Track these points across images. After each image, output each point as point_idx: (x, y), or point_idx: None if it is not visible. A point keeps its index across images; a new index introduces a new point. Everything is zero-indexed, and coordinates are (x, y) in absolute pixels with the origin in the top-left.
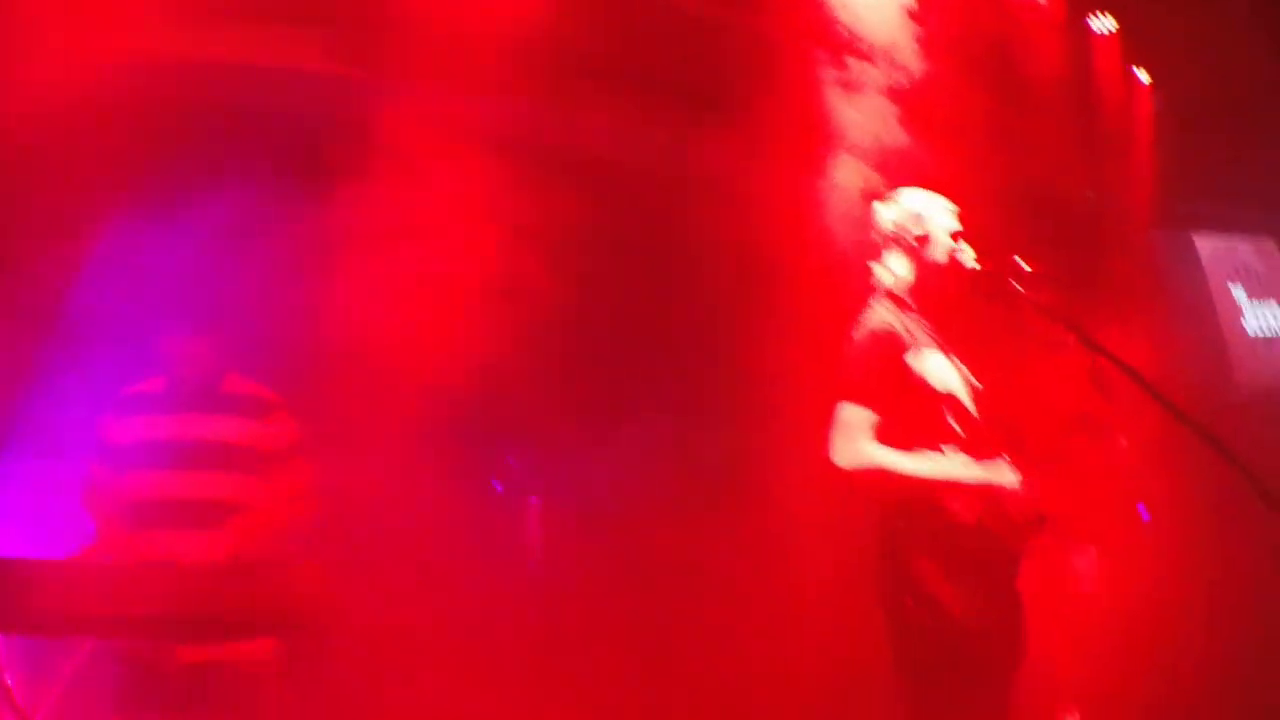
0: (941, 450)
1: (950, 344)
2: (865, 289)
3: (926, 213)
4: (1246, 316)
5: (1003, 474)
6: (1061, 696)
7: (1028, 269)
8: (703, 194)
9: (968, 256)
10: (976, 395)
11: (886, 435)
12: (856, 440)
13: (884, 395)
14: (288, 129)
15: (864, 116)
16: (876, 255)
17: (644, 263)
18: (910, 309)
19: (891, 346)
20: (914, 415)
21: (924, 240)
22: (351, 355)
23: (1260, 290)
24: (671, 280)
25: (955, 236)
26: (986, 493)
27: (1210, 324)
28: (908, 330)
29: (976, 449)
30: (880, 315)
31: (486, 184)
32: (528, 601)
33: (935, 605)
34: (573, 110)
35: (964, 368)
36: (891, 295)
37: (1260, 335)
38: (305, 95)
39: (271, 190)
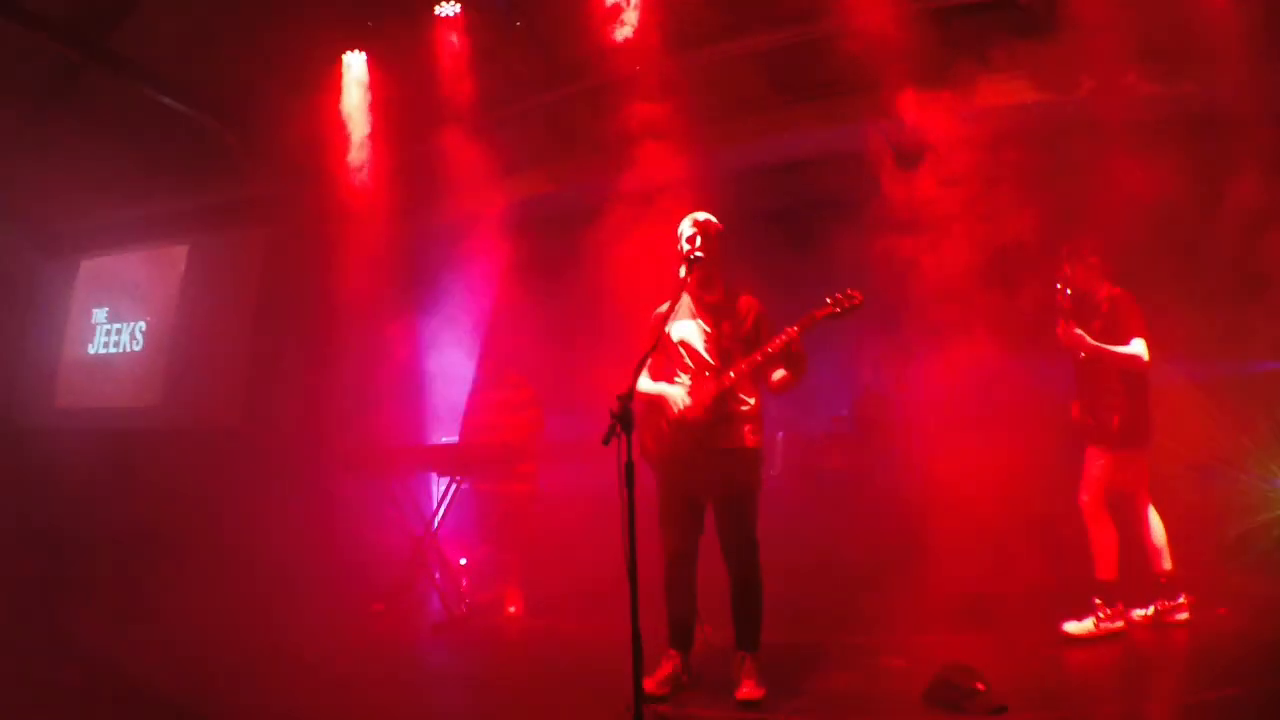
0: (675, 377)
1: (699, 312)
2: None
3: (681, 230)
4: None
5: (688, 393)
6: None
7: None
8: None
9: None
10: (709, 340)
11: (655, 370)
12: (639, 379)
13: (652, 349)
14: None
15: None
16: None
17: None
18: (686, 290)
19: (658, 321)
20: (666, 357)
21: (682, 247)
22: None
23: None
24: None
25: (689, 241)
26: (672, 399)
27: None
28: (673, 306)
29: (699, 373)
30: (662, 304)
31: None
32: None
33: (646, 446)
34: None
35: (705, 326)
36: (682, 285)
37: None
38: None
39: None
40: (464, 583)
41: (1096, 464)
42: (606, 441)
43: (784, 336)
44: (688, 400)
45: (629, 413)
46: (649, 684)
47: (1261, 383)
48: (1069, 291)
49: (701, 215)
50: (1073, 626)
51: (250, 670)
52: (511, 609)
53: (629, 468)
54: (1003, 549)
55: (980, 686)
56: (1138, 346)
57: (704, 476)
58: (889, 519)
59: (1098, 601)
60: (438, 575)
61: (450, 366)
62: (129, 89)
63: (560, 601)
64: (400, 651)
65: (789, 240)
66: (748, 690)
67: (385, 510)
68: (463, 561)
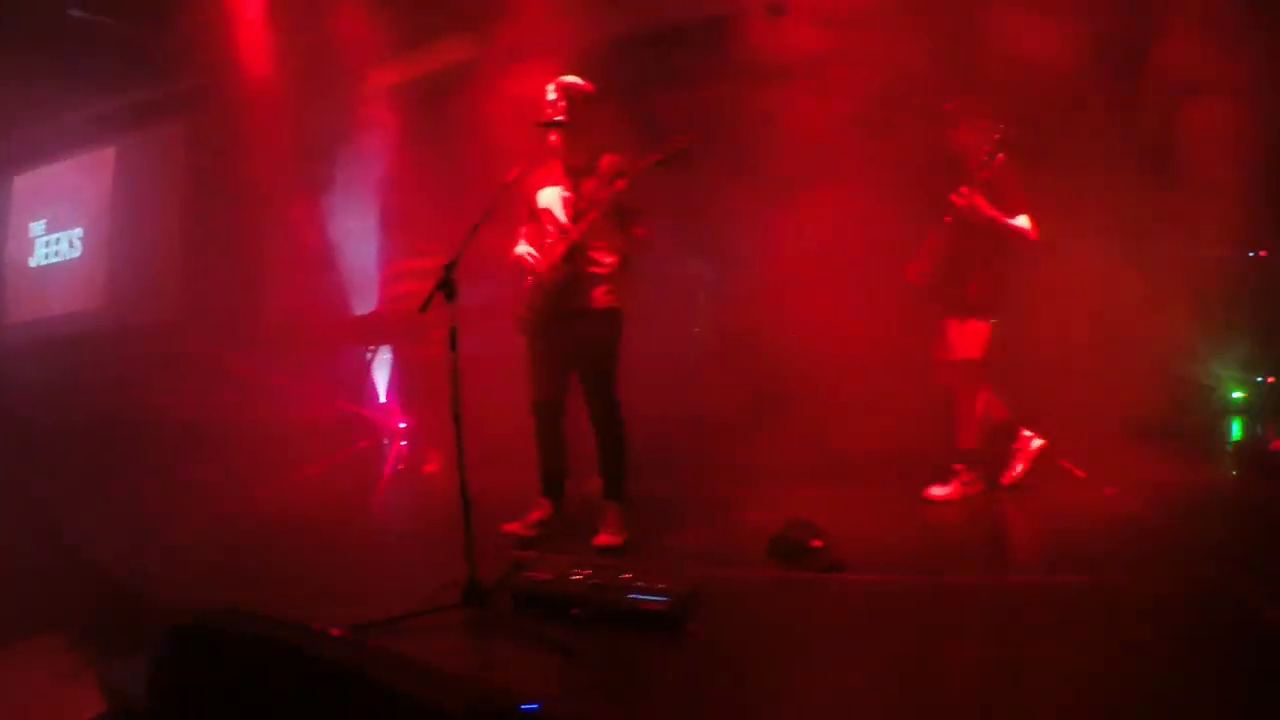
0: (543, 242)
1: (564, 177)
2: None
3: (547, 94)
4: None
5: (550, 250)
6: None
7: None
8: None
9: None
10: (567, 204)
11: (530, 236)
12: (517, 245)
13: (524, 217)
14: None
15: None
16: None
17: None
18: (554, 158)
19: (530, 188)
20: (535, 223)
21: (551, 112)
22: None
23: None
24: None
25: (552, 105)
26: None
27: None
28: (542, 175)
29: (556, 237)
30: (530, 173)
31: None
32: None
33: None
34: None
35: (565, 190)
36: (550, 150)
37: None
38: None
39: None
40: (403, 444)
41: (955, 331)
42: (424, 309)
43: (611, 190)
44: (541, 262)
45: (451, 281)
46: (516, 526)
47: (1170, 264)
48: (983, 155)
49: (567, 79)
50: (937, 491)
51: (191, 539)
52: (429, 467)
53: (453, 333)
54: (876, 409)
55: (817, 544)
56: (1024, 222)
57: (560, 337)
58: (776, 378)
59: (959, 468)
60: (368, 439)
61: (363, 240)
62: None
63: (475, 458)
64: (316, 510)
65: (675, 104)
66: (606, 537)
67: (317, 381)
68: (402, 425)
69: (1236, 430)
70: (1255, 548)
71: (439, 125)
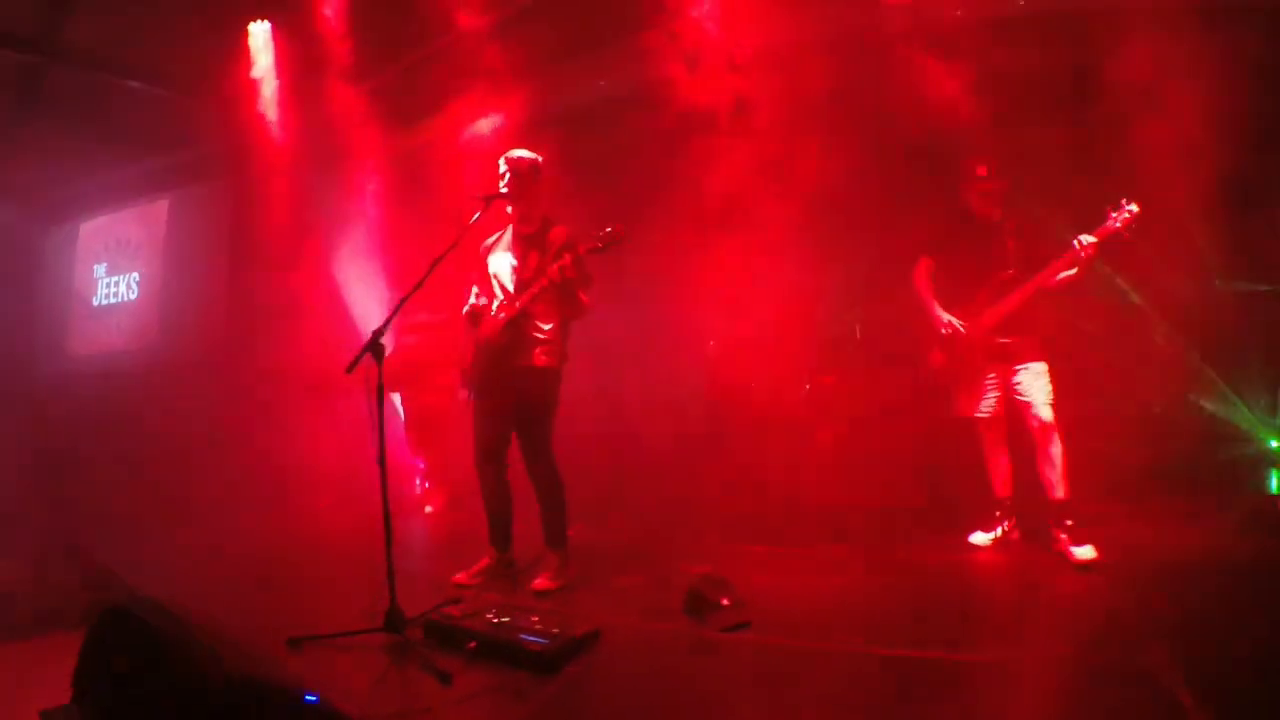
0: (490, 300)
1: (514, 245)
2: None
3: (500, 166)
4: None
5: (493, 314)
6: None
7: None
8: None
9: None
10: (515, 272)
11: (480, 295)
12: (468, 302)
13: (476, 278)
14: None
15: None
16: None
17: None
18: (508, 223)
19: (482, 252)
20: (484, 284)
21: (499, 184)
22: None
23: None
24: None
25: (500, 178)
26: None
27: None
28: (496, 239)
29: (504, 302)
30: (486, 236)
31: None
32: None
33: (464, 366)
34: None
35: (514, 259)
36: (506, 219)
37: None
38: None
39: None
40: (424, 483)
41: (1046, 377)
42: (350, 370)
43: (555, 269)
44: (486, 326)
45: (379, 345)
46: (462, 576)
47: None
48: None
49: (515, 152)
50: (1083, 553)
51: (206, 553)
52: (428, 508)
53: (380, 390)
54: (838, 463)
55: (725, 601)
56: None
57: (501, 392)
58: (741, 430)
59: (1069, 523)
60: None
61: (379, 295)
62: (89, 76)
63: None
64: (317, 537)
65: (636, 170)
66: (542, 582)
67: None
68: (420, 465)
69: (1274, 482)
70: (1203, 625)
71: (451, 191)
